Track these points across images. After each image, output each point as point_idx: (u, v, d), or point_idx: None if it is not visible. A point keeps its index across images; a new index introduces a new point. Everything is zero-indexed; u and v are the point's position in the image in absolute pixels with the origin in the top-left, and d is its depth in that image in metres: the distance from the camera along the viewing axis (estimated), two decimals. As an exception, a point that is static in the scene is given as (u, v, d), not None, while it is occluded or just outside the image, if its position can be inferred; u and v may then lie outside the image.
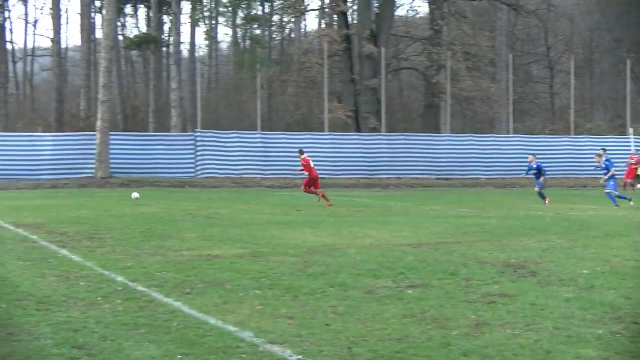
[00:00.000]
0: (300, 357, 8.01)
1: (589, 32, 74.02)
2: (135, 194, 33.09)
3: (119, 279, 12.43)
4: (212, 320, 9.60)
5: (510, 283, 12.10)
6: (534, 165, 31.58)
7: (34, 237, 18.19)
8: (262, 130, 51.11)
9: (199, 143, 47.13)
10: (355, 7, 61.58)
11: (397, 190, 42.86)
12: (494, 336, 8.80)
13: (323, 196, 29.35)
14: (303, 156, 30.57)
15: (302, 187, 30.71)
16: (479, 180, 49.29)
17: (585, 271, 13.17)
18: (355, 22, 60.15)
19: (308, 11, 74.10)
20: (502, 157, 50.69)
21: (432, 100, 59.75)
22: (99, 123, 44.40)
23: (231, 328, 9.21)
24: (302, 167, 30.46)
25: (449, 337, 8.75)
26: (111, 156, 44.53)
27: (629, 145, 47.81)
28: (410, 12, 76.49)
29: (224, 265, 13.77)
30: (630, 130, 49.83)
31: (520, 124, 63.52)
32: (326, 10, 67.08)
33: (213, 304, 10.58)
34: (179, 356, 7.99)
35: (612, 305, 10.41)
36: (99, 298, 10.95)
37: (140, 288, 11.67)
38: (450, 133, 55.86)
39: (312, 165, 30.17)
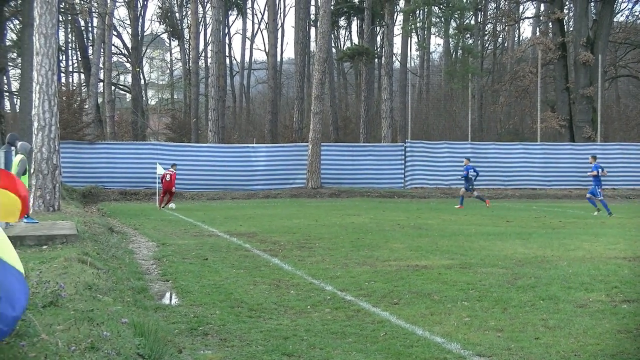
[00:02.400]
0: (508, 371, 7.87)
1: None
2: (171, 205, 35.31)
3: (328, 288, 12.59)
4: (420, 331, 9.57)
5: None
6: None
7: (247, 245, 18.70)
8: (472, 140, 50.70)
9: (408, 153, 47.22)
10: (571, 14, 60.22)
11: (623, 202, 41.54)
12: None
13: None
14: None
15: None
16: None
17: None
18: (571, 29, 58.83)
19: (523, 19, 73.08)
20: None
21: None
22: (311, 134, 45.24)
23: (439, 339, 9.16)
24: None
25: (666, 355, 8.38)
26: (322, 166, 45.30)
27: None
28: (630, 17, 74.05)
29: (432, 276, 13.72)
30: None
31: None
32: (541, 18, 65.87)
33: (420, 315, 10.55)
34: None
35: None
36: (309, 306, 11.14)
37: (348, 297, 11.78)
38: (670, 142, 53.69)
39: None
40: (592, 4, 60.31)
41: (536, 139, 51.03)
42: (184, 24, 74.06)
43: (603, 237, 20.44)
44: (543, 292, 12.01)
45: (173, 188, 36.03)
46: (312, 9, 69.23)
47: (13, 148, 20.07)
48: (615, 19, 65.72)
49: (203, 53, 72.67)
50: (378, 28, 66.98)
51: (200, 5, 69.15)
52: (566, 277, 13.44)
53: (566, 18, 59.97)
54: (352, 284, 12.92)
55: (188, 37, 71.10)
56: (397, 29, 65.83)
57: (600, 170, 30.34)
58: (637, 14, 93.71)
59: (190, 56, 65.86)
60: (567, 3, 61.45)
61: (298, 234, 21.38)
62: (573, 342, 9.01)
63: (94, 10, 55.87)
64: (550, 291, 12.11)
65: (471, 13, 68.00)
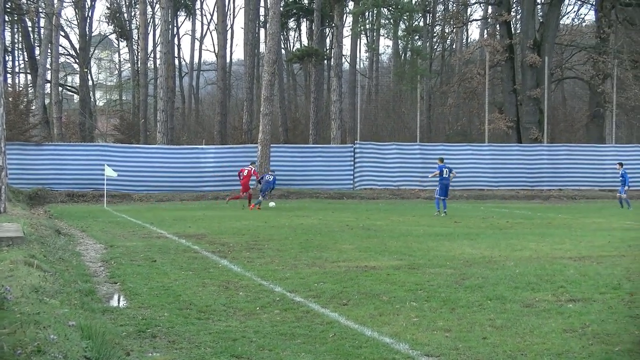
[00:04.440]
0: (455, 370, 7.93)
1: None
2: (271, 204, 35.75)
3: (278, 289, 12.60)
4: (368, 332, 9.62)
5: (677, 299, 11.67)
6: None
7: (196, 247, 18.65)
8: (421, 141, 50.94)
9: (357, 154, 47.32)
10: (518, 17, 60.77)
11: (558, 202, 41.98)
12: (658, 354, 8.50)
13: None
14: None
15: None
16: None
17: None
18: (518, 31, 59.36)
19: (471, 21, 73.55)
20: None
21: (596, 110, 58.23)
22: (260, 135, 45.13)
23: (387, 340, 9.21)
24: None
25: (611, 353, 8.53)
26: (272, 168, 45.20)
27: None
28: (576, 20, 74.90)
29: (380, 276, 13.79)
30: None
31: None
32: (489, 20, 66.36)
33: (369, 316, 10.61)
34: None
35: None
36: (258, 308, 11.15)
37: (297, 298, 11.81)
38: (616, 144, 54.29)
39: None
40: (539, 6, 60.95)
41: (484, 140, 51.43)
42: (132, 25, 73.50)
43: (549, 238, 20.69)
44: (490, 292, 12.14)
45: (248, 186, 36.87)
46: (262, 10, 69.11)
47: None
48: (561, 22, 66.45)
49: (152, 54, 72.18)
50: (327, 29, 67.04)
51: (149, 6, 68.67)
52: (513, 277, 13.58)
53: (513, 20, 60.40)
54: (302, 285, 12.94)
55: (137, 38, 70.54)
56: (347, 31, 66.07)
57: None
58: (582, 16, 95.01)
59: (139, 57, 65.35)
60: (514, 5, 61.96)
61: (247, 236, 21.37)
62: (519, 341, 9.11)
63: (41, 11, 55.21)
64: (497, 291, 12.23)
65: (420, 15, 68.25)
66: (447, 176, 31.87)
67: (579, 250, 17.66)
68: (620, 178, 36.96)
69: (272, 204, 36.34)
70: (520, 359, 8.40)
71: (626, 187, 36.67)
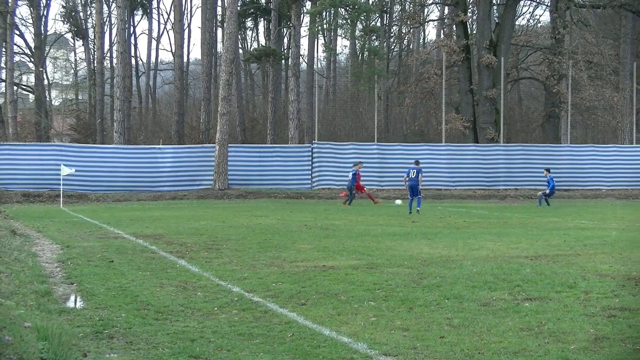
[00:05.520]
0: (413, 369, 7.97)
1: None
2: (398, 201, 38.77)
3: (236, 289, 12.58)
4: (327, 331, 9.64)
5: (631, 297, 11.82)
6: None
7: (154, 247, 18.55)
8: (378, 141, 51.06)
9: (315, 154, 47.36)
10: (475, 17, 61.13)
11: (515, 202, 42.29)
12: (613, 351, 8.62)
13: None
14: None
15: None
16: (600, 191, 48.24)
17: None
18: (474, 32, 59.72)
19: (427, 22, 73.82)
20: (624, 168, 49.45)
21: (552, 110, 58.73)
22: (218, 135, 45.01)
23: (345, 339, 9.23)
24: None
25: (567, 351, 8.61)
26: (230, 168, 45.16)
27: None
28: (531, 21, 75.53)
29: (339, 276, 13.81)
30: None
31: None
32: (446, 20, 66.66)
33: (328, 315, 10.62)
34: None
35: None
36: (216, 308, 11.12)
37: (256, 299, 11.80)
38: (571, 143, 54.81)
39: None
40: (495, 7, 61.36)
41: (441, 140, 51.68)
42: (88, 24, 72.94)
43: (506, 237, 20.85)
44: (448, 292, 12.20)
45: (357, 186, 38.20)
46: (219, 10, 68.88)
47: None
48: (517, 22, 66.96)
49: (108, 53, 71.71)
50: (285, 29, 67.04)
51: (105, 5, 68.17)
52: (470, 276, 13.67)
53: (470, 21, 60.80)
54: (260, 285, 12.93)
55: (93, 37, 70.13)
56: (304, 31, 65.86)
57: None
58: (537, 17, 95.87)
59: (95, 56, 64.99)
60: (470, 6, 62.29)
61: (205, 236, 21.30)
62: (477, 340, 9.17)
63: (-5, 9, 54.71)
64: (454, 290, 12.30)
65: (377, 15, 68.53)
66: (414, 177, 32.36)
67: (535, 250, 17.82)
68: (547, 184, 39.29)
69: (398, 201, 39.36)
70: (478, 358, 8.45)
71: (547, 191, 38.98)
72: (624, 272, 14.16)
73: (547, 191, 38.81)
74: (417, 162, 33.88)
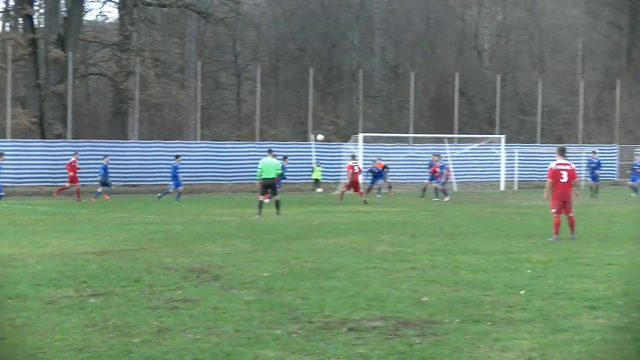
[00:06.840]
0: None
1: (275, 41, 76.12)
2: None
3: None
4: None
5: (193, 288, 12.28)
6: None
7: None
8: None
9: None
10: (42, 11, 59.79)
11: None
12: (175, 342, 8.90)
13: None
14: None
15: None
16: (167, 186, 49.21)
17: (265, 274, 13.61)
18: (42, 25, 58.45)
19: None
20: (190, 162, 50.71)
21: (120, 106, 59.06)
22: None
23: None
24: None
25: (130, 344, 8.75)
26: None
27: (310, 151, 50.39)
28: (99, 17, 75.37)
29: None
30: (312, 136, 52.08)
31: (208, 130, 63.92)
32: (11, 12, 64.52)
33: None
34: None
35: (290, 306, 10.83)
36: None
37: None
38: (139, 139, 55.53)
39: None
40: (63, 2, 60.48)
41: (6, 135, 49.99)
42: None
43: (73, 233, 20.76)
44: (11, 291, 11.93)
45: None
46: None
47: None
48: (86, 18, 66.57)
49: None
50: None
51: None
52: (35, 274, 13.45)
53: (37, 14, 59.46)
54: None
55: None
56: None
57: None
58: (105, 14, 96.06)
59: None
60: (37, -1, 61.01)
61: None
62: (40, 339, 9.06)
63: None
64: (18, 290, 12.05)
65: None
66: None
67: (102, 245, 17.90)
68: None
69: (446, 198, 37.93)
70: (41, 357, 8.34)
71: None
72: (187, 265, 14.67)
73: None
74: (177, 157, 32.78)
